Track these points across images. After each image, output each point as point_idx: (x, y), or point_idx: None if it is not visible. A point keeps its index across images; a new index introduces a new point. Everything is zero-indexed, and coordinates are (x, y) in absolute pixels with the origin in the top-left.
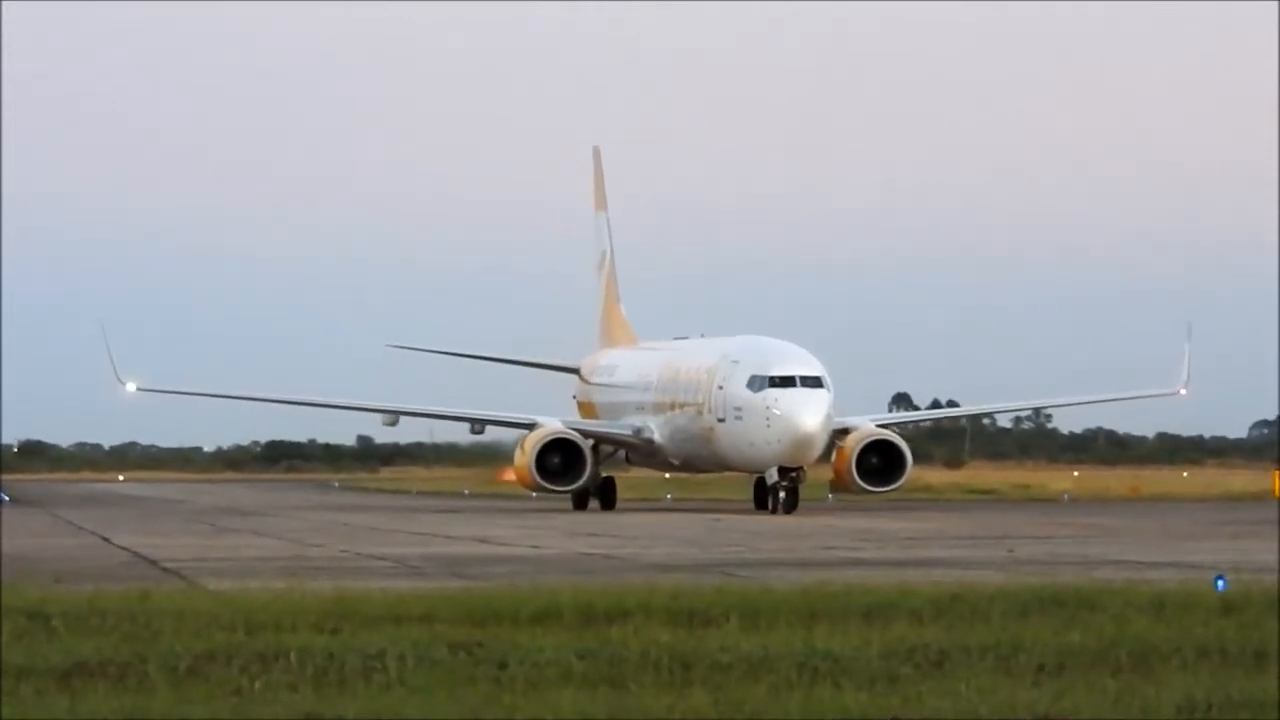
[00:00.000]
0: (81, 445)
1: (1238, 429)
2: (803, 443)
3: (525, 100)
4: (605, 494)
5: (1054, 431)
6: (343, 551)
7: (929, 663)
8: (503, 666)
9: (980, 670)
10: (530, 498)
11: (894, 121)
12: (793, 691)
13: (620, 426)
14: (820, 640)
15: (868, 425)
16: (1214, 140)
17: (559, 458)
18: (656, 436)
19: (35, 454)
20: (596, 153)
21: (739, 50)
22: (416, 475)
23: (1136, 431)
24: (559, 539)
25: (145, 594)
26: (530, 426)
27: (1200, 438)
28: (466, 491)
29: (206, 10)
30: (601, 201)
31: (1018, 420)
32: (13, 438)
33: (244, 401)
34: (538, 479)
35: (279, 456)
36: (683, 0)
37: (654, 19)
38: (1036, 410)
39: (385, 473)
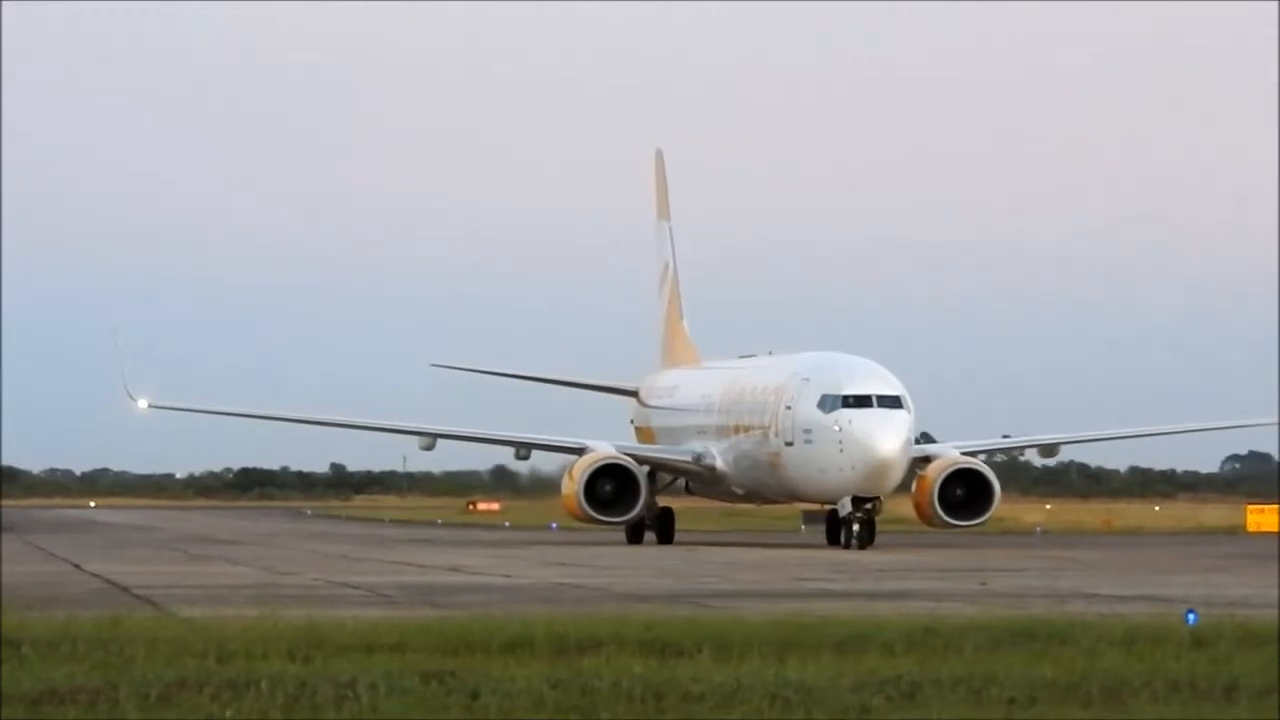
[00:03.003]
0: (52, 471)
1: (1210, 463)
2: (879, 469)
3: (581, 100)
4: (663, 526)
5: (1026, 464)
6: (315, 579)
7: (901, 695)
8: (475, 696)
9: (952, 702)
10: (581, 529)
11: (937, 145)
12: None
13: (679, 452)
14: (793, 671)
15: (952, 453)
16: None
17: (611, 486)
18: (719, 463)
19: (5, 480)
20: (659, 156)
21: (810, 53)
22: (389, 504)
23: (1109, 465)
24: (532, 568)
25: (116, 621)
26: (580, 451)
27: (1172, 471)
28: (439, 521)
29: (236, 18)
30: (664, 210)
31: (990, 455)
32: None
33: (261, 421)
34: (587, 509)
35: (251, 484)
36: (761, 1)
37: (722, 17)
38: (1037, 445)
39: (358, 500)
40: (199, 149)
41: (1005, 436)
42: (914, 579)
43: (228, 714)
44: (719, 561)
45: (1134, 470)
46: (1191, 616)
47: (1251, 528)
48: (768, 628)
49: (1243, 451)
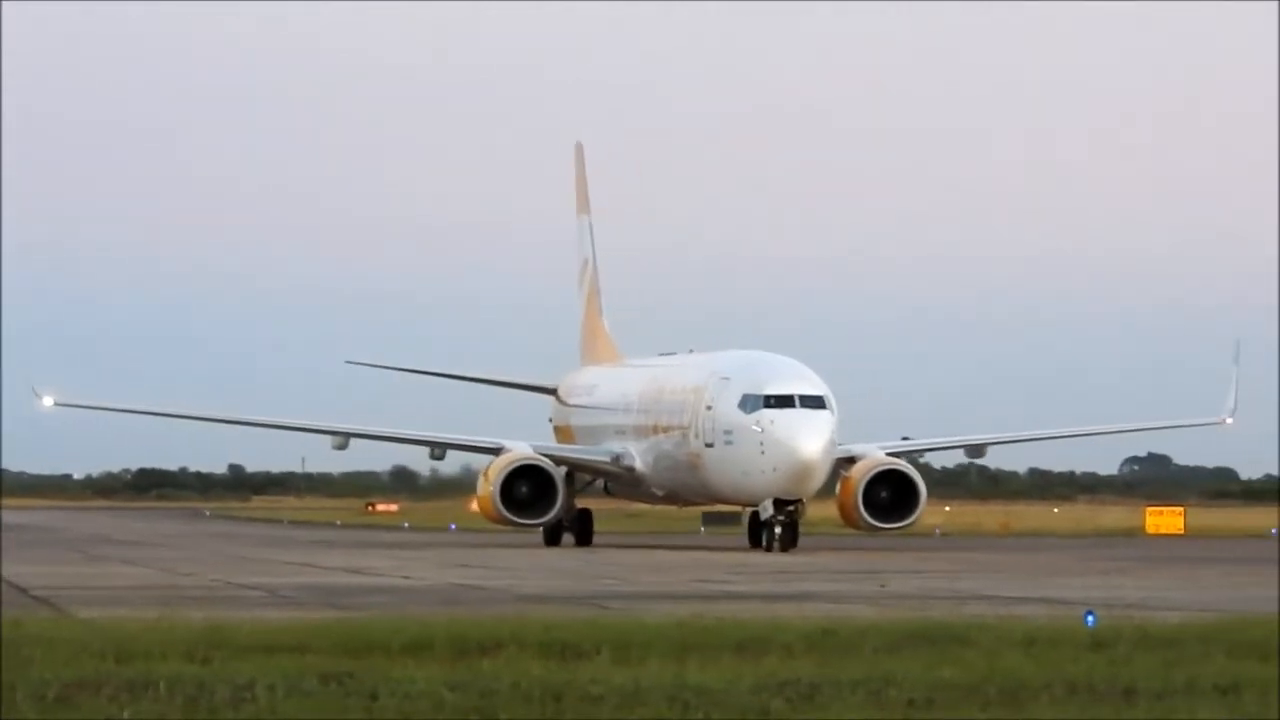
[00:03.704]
0: None
1: (1109, 466)
2: (802, 472)
3: (501, 92)
4: (581, 527)
5: (926, 466)
6: (214, 580)
7: (800, 697)
8: (374, 698)
9: (851, 704)
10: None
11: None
12: None
13: (597, 452)
14: (692, 674)
15: (876, 454)
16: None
17: (528, 487)
18: (638, 464)
19: None
20: (579, 150)
21: (735, 48)
22: (288, 505)
23: (1008, 467)
24: (432, 569)
25: (16, 622)
26: (496, 451)
27: (1071, 474)
28: (338, 522)
29: (168, 18)
30: (584, 205)
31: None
32: None
33: (160, 421)
34: (503, 510)
35: (149, 485)
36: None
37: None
38: (969, 444)
39: (256, 501)
40: (101, 142)
41: (905, 439)
42: (814, 581)
43: (125, 715)
44: (623, 563)
45: (1033, 472)
46: (1090, 618)
47: (1150, 530)
48: (667, 629)
49: (1142, 454)
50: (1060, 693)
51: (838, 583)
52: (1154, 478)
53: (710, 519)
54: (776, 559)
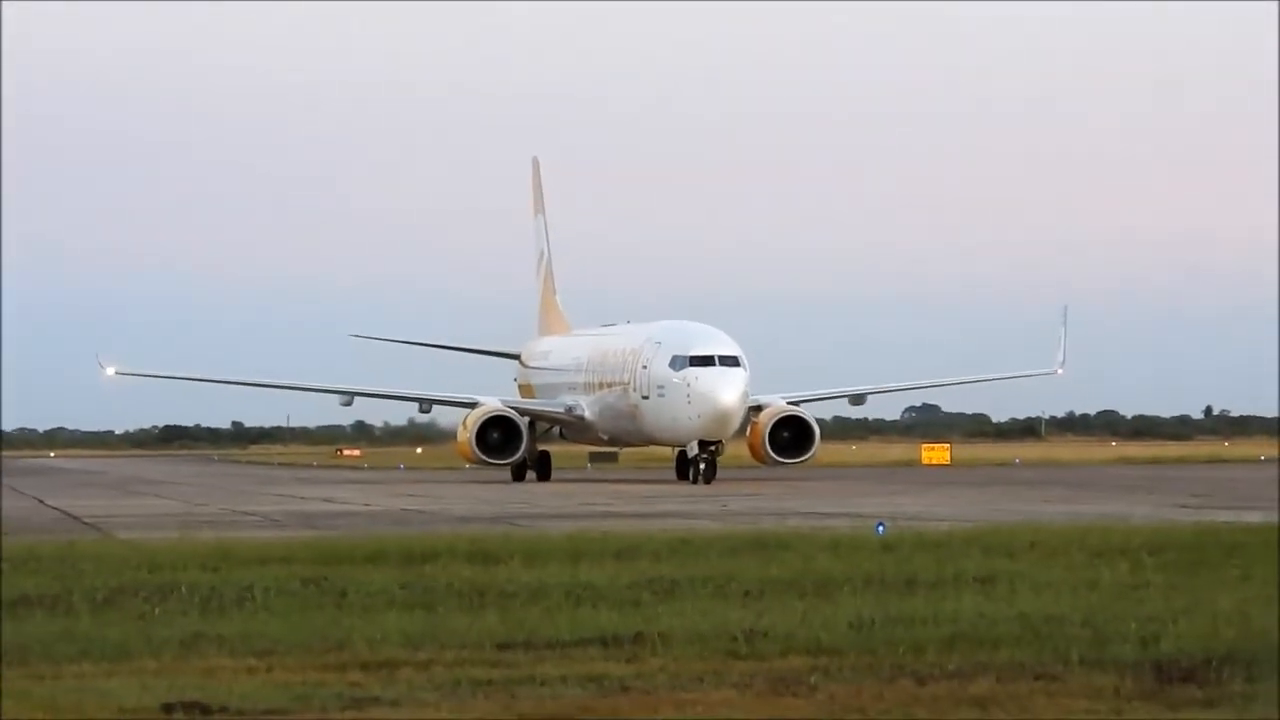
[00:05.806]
0: (21, 429)
1: (893, 413)
2: (720, 418)
3: (465, 113)
4: (541, 466)
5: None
6: (222, 509)
7: (664, 590)
8: (343, 595)
9: (702, 595)
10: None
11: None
12: (562, 613)
13: (554, 405)
14: (583, 574)
15: (780, 403)
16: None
17: (498, 433)
18: (587, 413)
19: None
20: (535, 163)
21: (664, 75)
22: (276, 451)
23: (818, 415)
24: (386, 498)
25: (72, 543)
26: (472, 405)
27: (865, 419)
28: (314, 464)
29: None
30: (540, 206)
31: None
32: None
33: (216, 385)
34: (478, 453)
35: (173, 437)
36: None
37: (595, 57)
38: (848, 395)
39: (253, 449)
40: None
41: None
42: (672, 502)
43: (156, 612)
44: (524, 491)
45: (836, 419)
46: (880, 528)
47: (925, 461)
48: (564, 540)
49: (918, 404)
50: (859, 584)
51: (690, 504)
52: (926, 421)
53: (595, 457)
54: (700, 489)
